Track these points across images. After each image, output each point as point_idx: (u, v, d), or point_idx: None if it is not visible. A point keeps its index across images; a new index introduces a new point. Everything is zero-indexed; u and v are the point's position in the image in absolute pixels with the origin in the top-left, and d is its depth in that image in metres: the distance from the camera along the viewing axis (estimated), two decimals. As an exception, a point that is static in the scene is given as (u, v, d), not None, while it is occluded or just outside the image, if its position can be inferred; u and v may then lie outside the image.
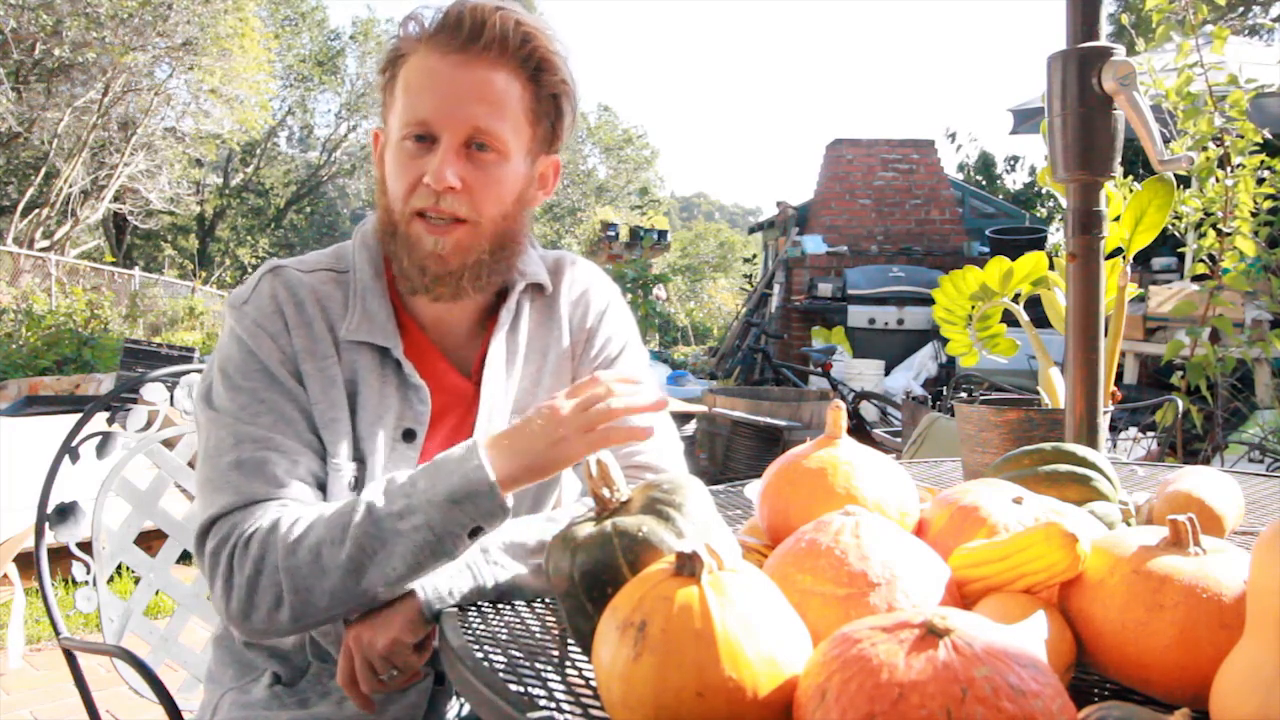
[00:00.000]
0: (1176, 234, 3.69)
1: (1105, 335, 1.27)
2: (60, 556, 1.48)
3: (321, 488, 1.07)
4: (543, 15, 1.13)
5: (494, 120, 1.05)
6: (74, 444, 1.43)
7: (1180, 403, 2.91)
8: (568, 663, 0.80)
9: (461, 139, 1.05)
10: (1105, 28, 1.23)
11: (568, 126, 1.15)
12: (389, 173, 1.09)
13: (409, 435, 1.11)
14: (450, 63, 1.04)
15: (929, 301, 3.83)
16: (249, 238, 27.42)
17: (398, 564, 0.93)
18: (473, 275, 1.09)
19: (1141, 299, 5.45)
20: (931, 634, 0.53)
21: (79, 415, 1.46)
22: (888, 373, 8.41)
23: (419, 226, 1.07)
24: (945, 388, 6.89)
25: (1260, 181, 3.23)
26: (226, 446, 1.03)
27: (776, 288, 10.50)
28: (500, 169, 1.08)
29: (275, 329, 1.07)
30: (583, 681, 0.76)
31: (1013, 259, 1.53)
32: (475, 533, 0.94)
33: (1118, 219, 1.47)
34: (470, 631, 0.88)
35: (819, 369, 7.96)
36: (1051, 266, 1.53)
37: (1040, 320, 1.55)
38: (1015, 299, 1.55)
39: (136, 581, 1.52)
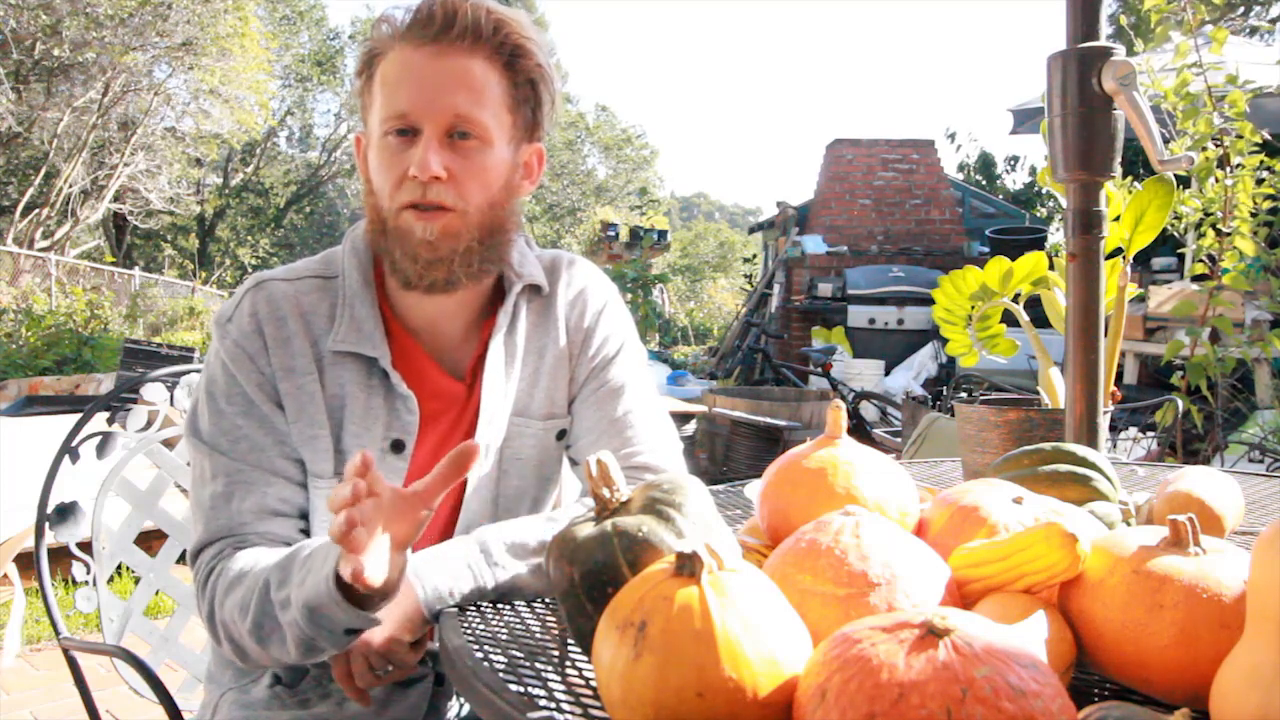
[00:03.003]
0: (1176, 234, 3.69)
1: (1105, 335, 1.27)
2: (60, 556, 1.48)
3: (301, 511, 1.11)
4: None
5: (474, 107, 1.05)
6: (74, 444, 1.43)
7: (1180, 403, 2.91)
8: (568, 663, 0.80)
9: (443, 128, 1.05)
10: (1105, 28, 1.23)
11: (548, 114, 1.15)
12: (374, 170, 1.09)
13: (398, 446, 1.11)
14: (425, 54, 1.05)
15: (929, 301, 3.83)
16: (249, 238, 27.39)
17: (291, 649, 0.93)
18: (464, 263, 1.09)
19: (1141, 299, 5.45)
20: (931, 634, 0.53)
21: (79, 415, 1.46)
22: (888, 373, 8.41)
23: (408, 216, 1.06)
24: (945, 388, 6.89)
25: (1260, 182, 3.23)
26: (207, 478, 1.07)
27: (776, 288, 10.50)
28: (484, 156, 1.07)
29: (254, 349, 1.09)
30: (583, 681, 0.76)
31: (1013, 259, 1.53)
32: (353, 631, 0.89)
33: (1118, 219, 1.47)
34: (470, 631, 0.88)
35: (819, 369, 7.96)
36: (1051, 266, 1.53)
37: (1040, 320, 1.55)
38: (1015, 299, 1.55)
39: (136, 581, 1.52)
